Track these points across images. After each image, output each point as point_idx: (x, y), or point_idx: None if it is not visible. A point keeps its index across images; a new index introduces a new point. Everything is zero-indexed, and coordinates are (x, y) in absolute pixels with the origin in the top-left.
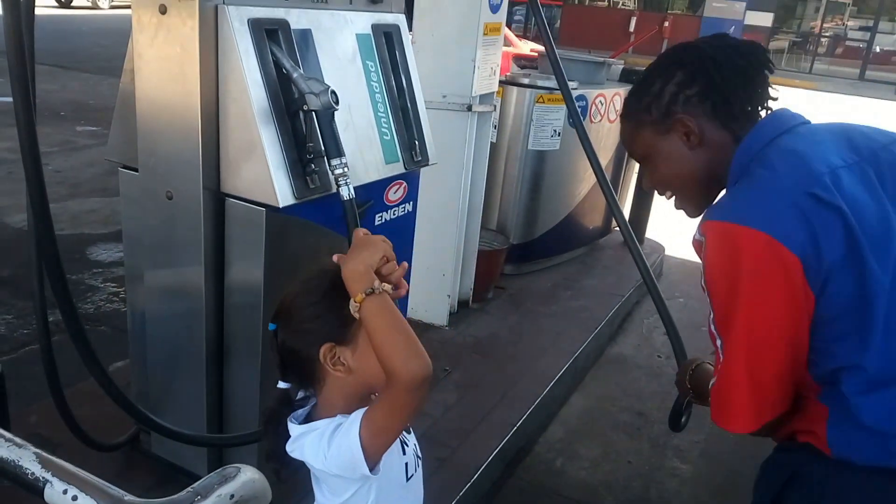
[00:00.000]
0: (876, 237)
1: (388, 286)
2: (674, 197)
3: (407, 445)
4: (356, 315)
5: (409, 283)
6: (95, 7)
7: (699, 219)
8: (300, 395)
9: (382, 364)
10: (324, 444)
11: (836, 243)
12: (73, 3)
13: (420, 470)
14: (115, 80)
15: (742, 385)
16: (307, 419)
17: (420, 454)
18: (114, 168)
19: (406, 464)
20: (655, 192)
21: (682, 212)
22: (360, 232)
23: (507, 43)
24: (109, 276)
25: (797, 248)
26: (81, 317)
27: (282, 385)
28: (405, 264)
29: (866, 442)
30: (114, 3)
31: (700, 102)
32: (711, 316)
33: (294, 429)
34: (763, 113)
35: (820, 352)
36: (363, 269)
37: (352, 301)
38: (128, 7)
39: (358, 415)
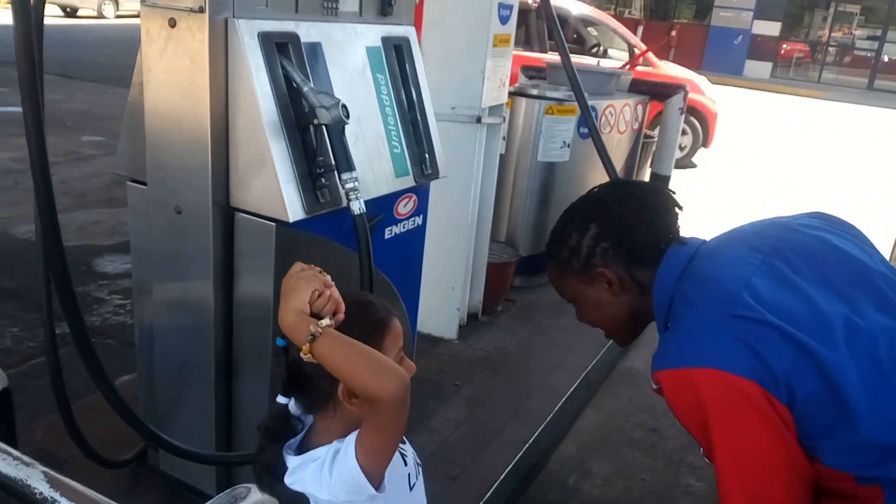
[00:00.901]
0: (813, 327)
1: (326, 321)
2: (602, 330)
3: (406, 456)
4: (313, 361)
5: (419, 295)
6: (101, 16)
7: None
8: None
9: (358, 393)
10: (325, 473)
11: (780, 352)
12: (78, 13)
13: (421, 476)
14: (121, 90)
15: None
16: (301, 446)
17: (419, 461)
18: (119, 179)
19: (409, 474)
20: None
21: (693, 220)
22: (295, 268)
23: (648, 63)
24: (115, 287)
25: (747, 372)
26: (88, 329)
27: (282, 400)
28: (335, 294)
29: None
30: (119, 13)
31: (616, 255)
32: (701, 450)
33: (291, 460)
34: None
35: (817, 451)
36: (293, 317)
37: (300, 353)
38: (133, 16)
39: (352, 438)
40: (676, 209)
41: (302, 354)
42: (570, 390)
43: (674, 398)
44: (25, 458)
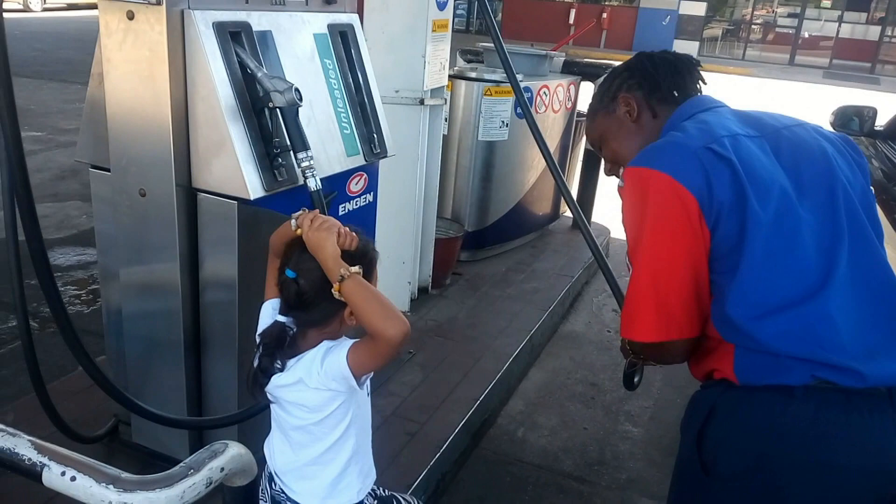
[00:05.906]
0: (760, 186)
1: (354, 269)
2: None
3: None
4: (340, 298)
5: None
6: (27, 10)
7: None
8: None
9: (366, 328)
10: (317, 365)
11: (725, 187)
12: (2, 6)
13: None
14: (56, 85)
15: (647, 299)
16: (292, 349)
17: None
18: (63, 173)
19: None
20: (614, 176)
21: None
22: (305, 223)
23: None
24: (69, 279)
25: (694, 189)
26: (43, 320)
27: (281, 319)
28: (346, 230)
29: (762, 363)
30: (46, 6)
31: (638, 87)
32: (626, 248)
33: (288, 362)
34: None
35: (714, 285)
36: (332, 264)
37: (333, 290)
38: (60, 9)
39: (346, 343)
40: (697, 65)
41: (333, 291)
42: (516, 352)
43: (629, 191)
44: (10, 430)
